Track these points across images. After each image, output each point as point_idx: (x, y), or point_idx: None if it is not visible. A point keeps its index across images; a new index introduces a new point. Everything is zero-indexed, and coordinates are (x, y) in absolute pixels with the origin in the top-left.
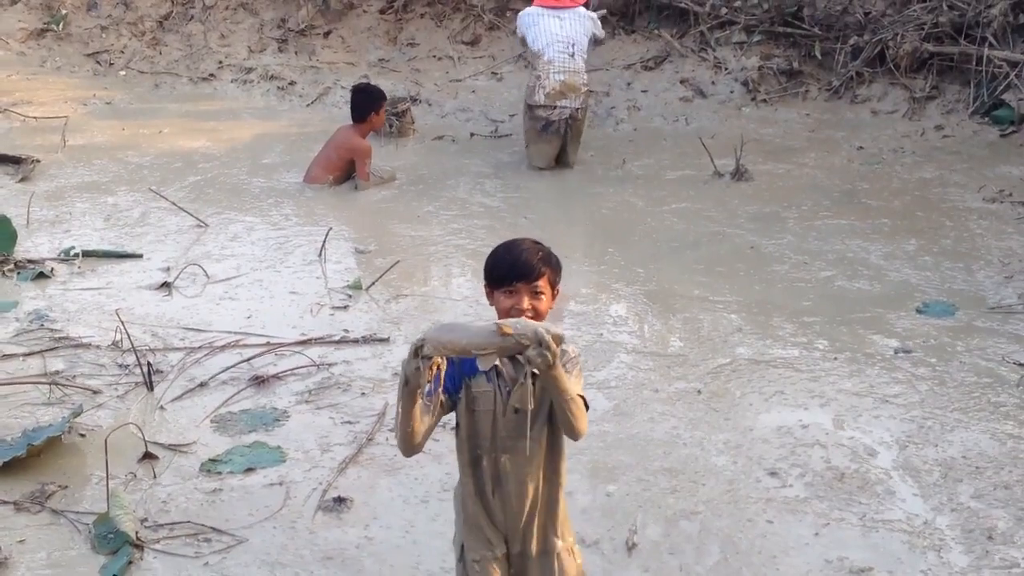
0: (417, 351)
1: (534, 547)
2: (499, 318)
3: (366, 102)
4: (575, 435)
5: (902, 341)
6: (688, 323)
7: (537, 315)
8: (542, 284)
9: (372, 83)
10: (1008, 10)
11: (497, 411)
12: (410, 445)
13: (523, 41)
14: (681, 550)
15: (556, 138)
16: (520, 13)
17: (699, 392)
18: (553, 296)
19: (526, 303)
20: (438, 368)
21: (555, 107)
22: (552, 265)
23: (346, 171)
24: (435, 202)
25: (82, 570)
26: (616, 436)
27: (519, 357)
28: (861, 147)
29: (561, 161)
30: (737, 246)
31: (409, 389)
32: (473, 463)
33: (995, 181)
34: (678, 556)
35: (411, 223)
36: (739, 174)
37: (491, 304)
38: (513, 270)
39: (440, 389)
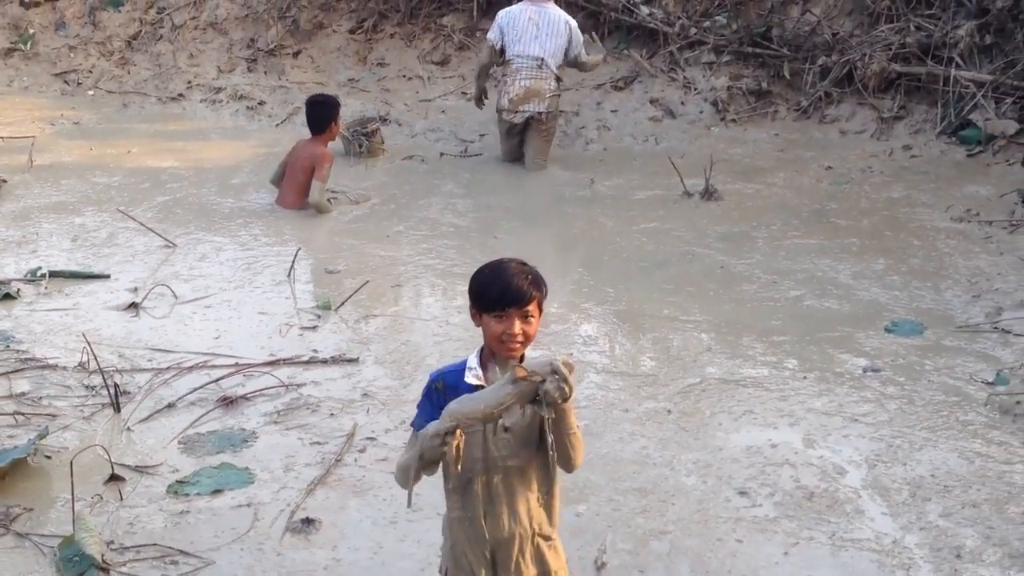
0: (444, 435)
1: (532, 572)
2: (488, 342)
3: (325, 113)
4: (571, 467)
5: (871, 360)
6: (658, 343)
7: (527, 339)
8: (532, 308)
9: (324, 93)
10: (974, 31)
11: (487, 432)
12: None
13: (491, 44)
14: (651, 569)
15: (516, 138)
16: (500, 12)
17: (669, 412)
18: (539, 317)
19: (517, 327)
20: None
21: (517, 111)
22: (541, 288)
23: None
24: (405, 222)
25: None
26: (586, 456)
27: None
28: (830, 167)
29: (525, 162)
30: (707, 266)
31: (424, 462)
32: (463, 487)
33: (962, 201)
34: (648, 575)
35: (381, 243)
36: (708, 194)
37: (477, 326)
38: (504, 296)
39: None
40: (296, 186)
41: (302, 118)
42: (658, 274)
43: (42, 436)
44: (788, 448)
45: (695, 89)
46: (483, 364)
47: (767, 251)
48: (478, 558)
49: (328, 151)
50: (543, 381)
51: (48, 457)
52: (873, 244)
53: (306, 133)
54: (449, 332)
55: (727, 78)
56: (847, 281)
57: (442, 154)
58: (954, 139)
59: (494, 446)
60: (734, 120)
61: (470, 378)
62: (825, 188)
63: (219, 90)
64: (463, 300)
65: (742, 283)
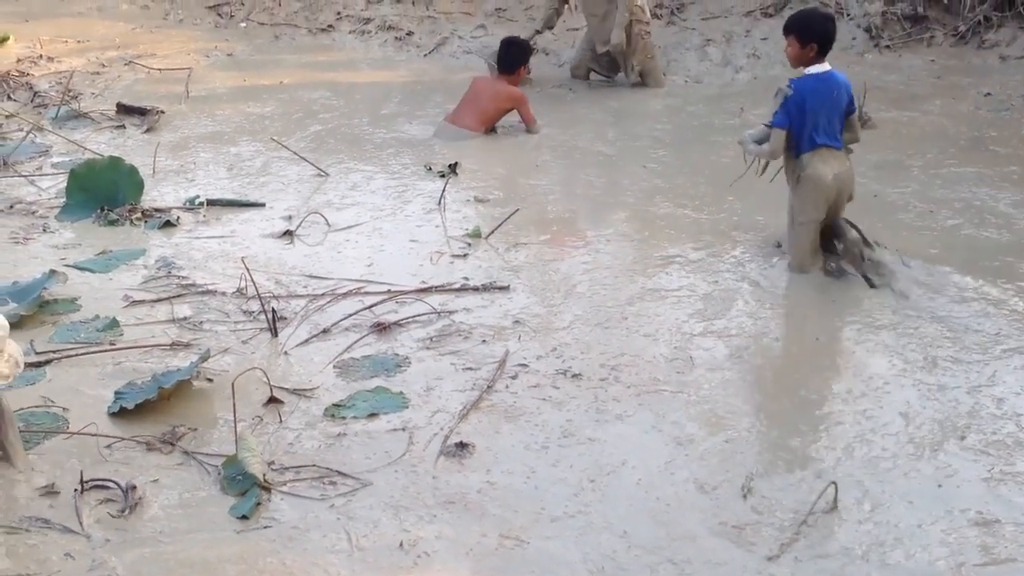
0: None
1: None
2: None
3: (517, 55)
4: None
5: None
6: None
7: None
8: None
9: (519, 37)
10: None
11: None
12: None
13: None
14: (797, 490)
15: None
16: None
17: (817, 339)
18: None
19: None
20: None
21: None
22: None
23: (495, 122)
24: (554, 151)
25: (212, 510)
26: (737, 384)
27: None
28: (988, 93)
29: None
30: (860, 194)
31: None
32: None
33: None
34: (792, 497)
35: (530, 173)
36: (862, 122)
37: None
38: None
39: None
40: (479, 113)
41: (450, 48)
42: None
43: (204, 359)
44: None
45: (848, 15)
46: None
47: (923, 180)
48: None
49: (523, 93)
50: None
51: (210, 380)
52: None
53: (454, 64)
54: (599, 260)
55: (881, 3)
56: (1007, 210)
57: (590, 82)
58: None
59: None
60: (888, 46)
61: None
62: (984, 115)
63: (368, 20)
64: (612, 229)
65: (897, 212)
